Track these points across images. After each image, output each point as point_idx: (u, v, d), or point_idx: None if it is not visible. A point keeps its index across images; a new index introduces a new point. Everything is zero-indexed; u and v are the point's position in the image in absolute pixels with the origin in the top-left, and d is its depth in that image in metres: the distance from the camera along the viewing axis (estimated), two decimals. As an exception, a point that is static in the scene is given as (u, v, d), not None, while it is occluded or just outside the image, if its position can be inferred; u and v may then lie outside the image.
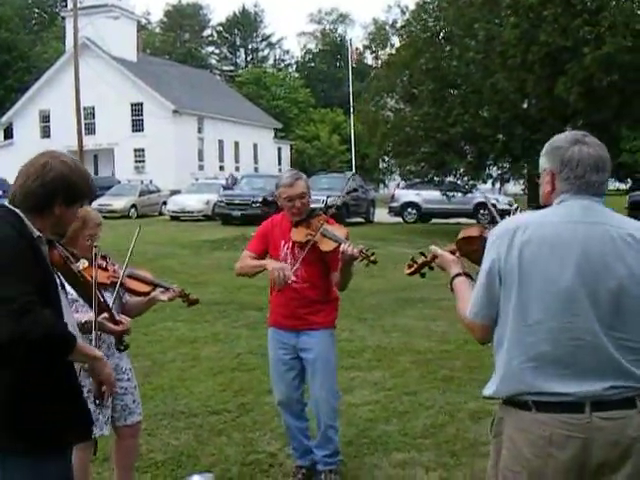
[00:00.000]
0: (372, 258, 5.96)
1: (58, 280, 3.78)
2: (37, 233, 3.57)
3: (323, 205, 34.00)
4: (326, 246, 6.18)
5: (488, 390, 3.68)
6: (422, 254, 4.77)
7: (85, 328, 4.62)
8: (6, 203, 3.65)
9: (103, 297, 4.45)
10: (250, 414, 8.30)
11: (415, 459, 7.04)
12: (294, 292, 6.37)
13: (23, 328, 3.21)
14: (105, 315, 4.67)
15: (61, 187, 3.62)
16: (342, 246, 5.99)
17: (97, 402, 3.91)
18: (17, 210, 3.58)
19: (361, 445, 7.39)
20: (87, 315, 4.80)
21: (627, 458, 3.43)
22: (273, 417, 7.67)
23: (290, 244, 6.36)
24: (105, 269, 5.58)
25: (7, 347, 3.24)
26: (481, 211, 36.24)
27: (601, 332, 3.41)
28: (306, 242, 6.22)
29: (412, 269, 4.83)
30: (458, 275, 4.10)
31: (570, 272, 3.42)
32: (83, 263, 4.60)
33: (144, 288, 5.77)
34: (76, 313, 4.83)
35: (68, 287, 4.12)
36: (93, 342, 4.39)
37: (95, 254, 5.58)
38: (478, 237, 4.14)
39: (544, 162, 3.70)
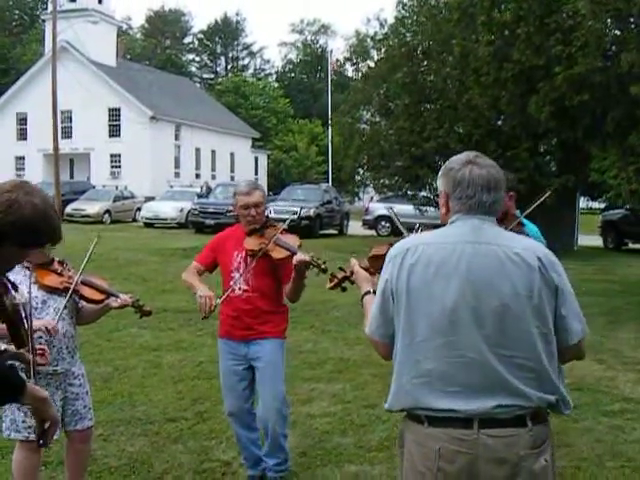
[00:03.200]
0: (323, 266, 6.06)
1: None
2: None
3: (296, 217, 34.15)
4: (278, 254, 6.29)
5: (386, 404, 3.77)
6: (341, 269, 4.93)
7: (3, 357, 4.57)
8: None
9: (31, 333, 4.24)
10: (207, 422, 8.34)
11: (367, 472, 7.09)
12: (244, 302, 6.48)
13: None
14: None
15: (21, 231, 3.19)
16: (296, 256, 6.11)
17: (40, 442, 3.65)
18: None
19: (315, 457, 7.43)
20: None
21: (515, 476, 3.48)
22: (229, 426, 7.67)
23: (243, 253, 6.46)
24: (60, 274, 5.62)
25: None
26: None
27: (487, 350, 3.46)
28: (259, 250, 6.30)
29: (333, 283, 5.03)
30: (367, 293, 4.20)
31: (454, 292, 3.48)
32: (21, 296, 4.48)
33: (97, 296, 5.81)
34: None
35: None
36: (31, 373, 4.15)
37: (52, 259, 5.64)
38: (383, 255, 4.22)
39: (439, 184, 3.77)
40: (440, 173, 3.76)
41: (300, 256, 6.10)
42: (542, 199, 5.91)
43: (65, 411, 5.75)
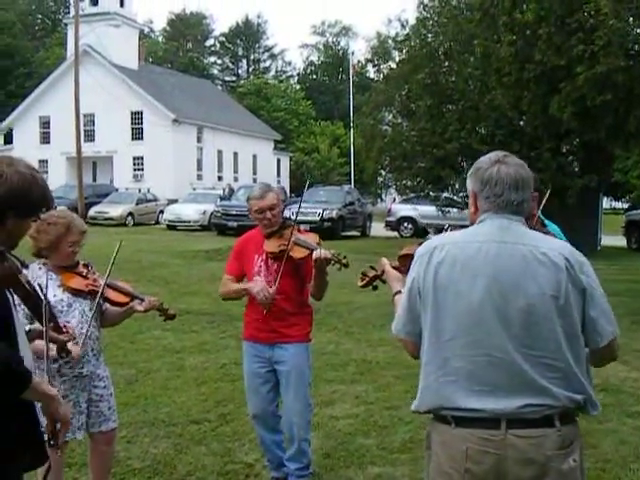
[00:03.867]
0: (344, 261, 6.12)
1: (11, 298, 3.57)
2: None
3: (319, 218, 34.16)
4: (299, 253, 6.31)
5: (413, 405, 3.78)
6: (372, 267, 4.96)
7: (28, 336, 4.63)
8: None
9: (50, 308, 4.29)
10: (230, 424, 8.34)
11: (390, 473, 7.09)
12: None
13: None
14: (50, 324, 4.37)
15: (14, 201, 3.37)
16: (315, 252, 6.12)
17: (51, 443, 3.63)
18: None
19: (338, 458, 7.43)
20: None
21: (543, 476, 3.47)
22: (253, 428, 7.66)
23: (264, 256, 6.47)
24: (85, 277, 5.65)
25: None
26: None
27: (513, 350, 3.46)
28: (280, 252, 6.32)
29: (364, 282, 5.07)
30: (398, 292, 4.22)
31: (480, 290, 3.49)
32: (31, 271, 4.53)
33: (122, 299, 5.83)
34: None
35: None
36: (44, 364, 4.06)
37: (77, 262, 5.68)
38: (413, 254, 4.23)
39: (468, 184, 3.81)
40: (469, 173, 3.80)
41: (319, 252, 6.12)
42: (544, 200, 5.92)
43: (90, 413, 5.77)
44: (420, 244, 4.21)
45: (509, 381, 3.47)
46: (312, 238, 6.45)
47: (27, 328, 4.34)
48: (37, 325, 4.23)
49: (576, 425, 3.64)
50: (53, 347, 4.53)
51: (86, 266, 5.80)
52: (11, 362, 3.23)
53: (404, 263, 4.43)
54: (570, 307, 3.50)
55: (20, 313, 3.81)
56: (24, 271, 3.74)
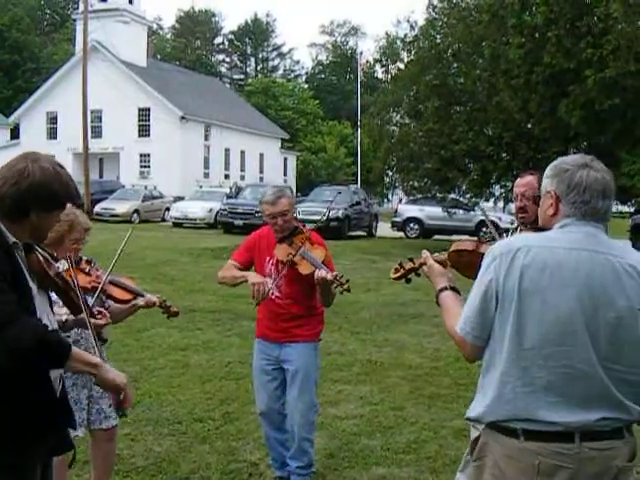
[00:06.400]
0: (345, 286, 6.03)
1: (36, 285, 3.62)
2: (12, 239, 3.46)
3: (324, 218, 34.07)
4: (304, 269, 6.28)
5: (473, 412, 3.61)
6: (410, 259, 4.69)
7: (65, 327, 4.65)
8: None
9: (83, 296, 4.36)
10: (235, 423, 8.33)
11: (395, 474, 7.08)
12: (278, 307, 6.51)
13: (12, 338, 3.13)
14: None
15: (38, 194, 3.47)
16: (316, 272, 6.11)
17: (119, 413, 3.74)
18: None
19: (342, 458, 7.43)
20: (63, 313, 4.74)
21: None
22: (257, 427, 7.66)
23: (274, 260, 6.46)
24: (88, 274, 5.62)
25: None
26: (483, 229, 36.16)
27: (597, 363, 3.36)
28: (287, 262, 6.33)
29: (398, 273, 4.77)
30: (445, 289, 4.02)
31: (570, 300, 3.37)
32: (63, 265, 4.60)
33: (125, 296, 5.81)
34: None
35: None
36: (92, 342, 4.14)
37: (79, 258, 5.66)
38: (471, 251, 4.13)
39: (548, 184, 3.63)
40: (550, 173, 3.64)
41: (320, 273, 6.10)
42: None
43: (90, 410, 5.77)
44: (480, 242, 4.10)
45: (587, 394, 3.38)
46: (319, 253, 6.40)
47: (64, 318, 4.40)
48: (71, 315, 4.33)
49: (634, 436, 3.57)
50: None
51: (89, 262, 5.78)
52: (48, 333, 3.30)
53: (456, 259, 4.28)
54: None
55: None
56: (55, 264, 3.84)
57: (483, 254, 3.70)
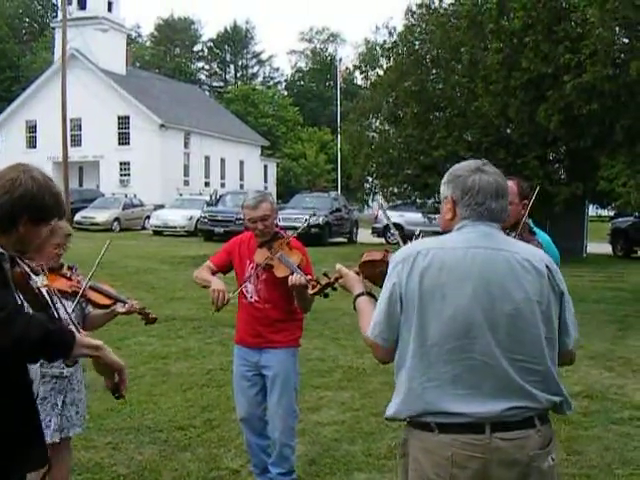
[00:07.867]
0: (324, 291, 6.02)
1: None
2: (1, 250, 3.44)
3: (305, 224, 34.13)
4: (280, 272, 6.31)
5: (389, 411, 3.73)
6: (325, 275, 4.86)
7: None
8: None
9: (58, 313, 4.34)
10: (216, 430, 8.33)
11: (376, 480, 7.07)
12: (257, 311, 6.52)
13: (21, 330, 3.12)
14: None
15: (28, 206, 3.46)
16: (290, 277, 6.14)
17: (116, 396, 3.72)
18: None
19: (323, 465, 7.42)
20: None
21: (526, 477, 3.52)
22: (238, 434, 7.65)
23: (254, 264, 6.47)
24: (69, 278, 5.66)
25: (10, 352, 3.17)
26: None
27: (501, 355, 3.50)
28: (265, 265, 6.37)
29: (315, 289, 5.00)
30: (361, 294, 4.13)
31: (468, 296, 3.50)
32: (42, 280, 4.59)
33: (105, 301, 5.84)
34: None
35: None
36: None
37: (61, 264, 5.69)
38: (380, 260, 4.19)
39: (445, 190, 3.77)
40: (446, 179, 3.78)
41: (294, 277, 6.12)
42: (533, 197, 5.91)
43: (62, 416, 5.74)
44: (386, 251, 4.21)
45: (494, 385, 3.50)
46: (296, 257, 6.40)
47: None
48: None
49: (550, 424, 3.70)
50: None
51: (70, 268, 5.82)
52: (52, 323, 3.34)
53: (367, 270, 4.34)
54: (550, 312, 3.60)
55: None
56: (34, 278, 3.81)
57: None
